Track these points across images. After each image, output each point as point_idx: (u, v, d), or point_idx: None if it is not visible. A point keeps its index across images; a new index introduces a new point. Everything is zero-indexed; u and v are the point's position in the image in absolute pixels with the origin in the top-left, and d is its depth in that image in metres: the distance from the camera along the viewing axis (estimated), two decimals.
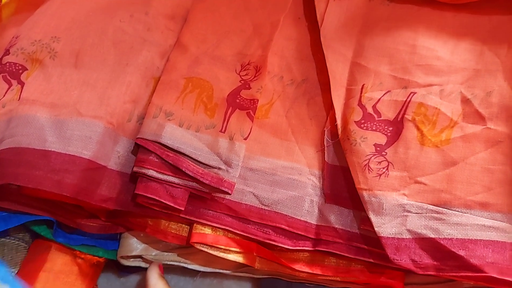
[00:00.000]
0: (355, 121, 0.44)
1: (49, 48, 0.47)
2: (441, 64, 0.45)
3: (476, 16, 0.48)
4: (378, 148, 0.42)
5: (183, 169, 0.41)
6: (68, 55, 0.47)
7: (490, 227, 0.38)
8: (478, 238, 0.37)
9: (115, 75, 0.45)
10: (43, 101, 0.44)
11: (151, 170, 0.41)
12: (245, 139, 0.44)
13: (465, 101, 0.43)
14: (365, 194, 0.40)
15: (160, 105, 0.44)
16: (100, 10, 0.51)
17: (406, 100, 0.44)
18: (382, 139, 0.43)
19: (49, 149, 0.40)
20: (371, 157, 0.42)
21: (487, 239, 0.37)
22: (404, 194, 0.40)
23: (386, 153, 0.42)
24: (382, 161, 0.42)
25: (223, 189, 0.41)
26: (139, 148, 0.43)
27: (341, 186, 0.43)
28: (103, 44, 0.48)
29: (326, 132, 0.45)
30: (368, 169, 0.41)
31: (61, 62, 0.47)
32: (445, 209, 0.39)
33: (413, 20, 0.49)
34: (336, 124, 0.44)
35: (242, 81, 0.47)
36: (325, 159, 0.45)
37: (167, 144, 0.42)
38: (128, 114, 0.45)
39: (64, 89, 0.45)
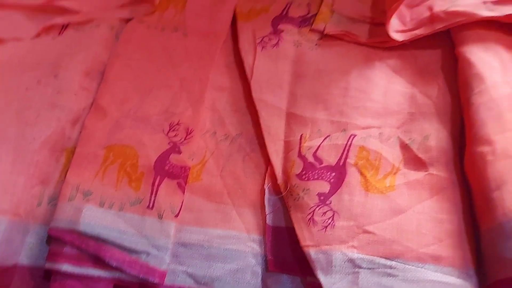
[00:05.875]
0: (296, 174, 0.41)
1: None
2: (376, 106, 0.45)
3: (402, 58, 0.48)
4: (322, 198, 0.40)
5: (107, 259, 0.36)
6: None
7: (445, 283, 0.36)
8: None
9: (20, 154, 0.40)
10: None
11: (65, 265, 0.36)
12: (176, 216, 0.40)
13: (404, 146, 0.42)
14: (311, 251, 0.38)
15: (77, 184, 0.40)
16: (1, 74, 0.46)
17: (346, 144, 0.42)
18: (325, 187, 0.41)
19: None
20: (315, 209, 0.39)
21: None
22: (354, 247, 0.38)
23: (331, 201, 0.40)
24: (327, 211, 0.39)
25: (153, 280, 0.36)
26: (51, 239, 0.38)
27: (285, 249, 0.40)
28: (4, 115, 0.42)
29: (266, 190, 0.42)
30: (313, 223, 0.39)
31: None
32: (398, 263, 0.37)
33: (343, 63, 0.48)
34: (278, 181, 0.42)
35: (171, 143, 0.43)
36: (267, 222, 0.41)
37: (85, 232, 0.37)
38: (37, 198, 0.40)
39: None
